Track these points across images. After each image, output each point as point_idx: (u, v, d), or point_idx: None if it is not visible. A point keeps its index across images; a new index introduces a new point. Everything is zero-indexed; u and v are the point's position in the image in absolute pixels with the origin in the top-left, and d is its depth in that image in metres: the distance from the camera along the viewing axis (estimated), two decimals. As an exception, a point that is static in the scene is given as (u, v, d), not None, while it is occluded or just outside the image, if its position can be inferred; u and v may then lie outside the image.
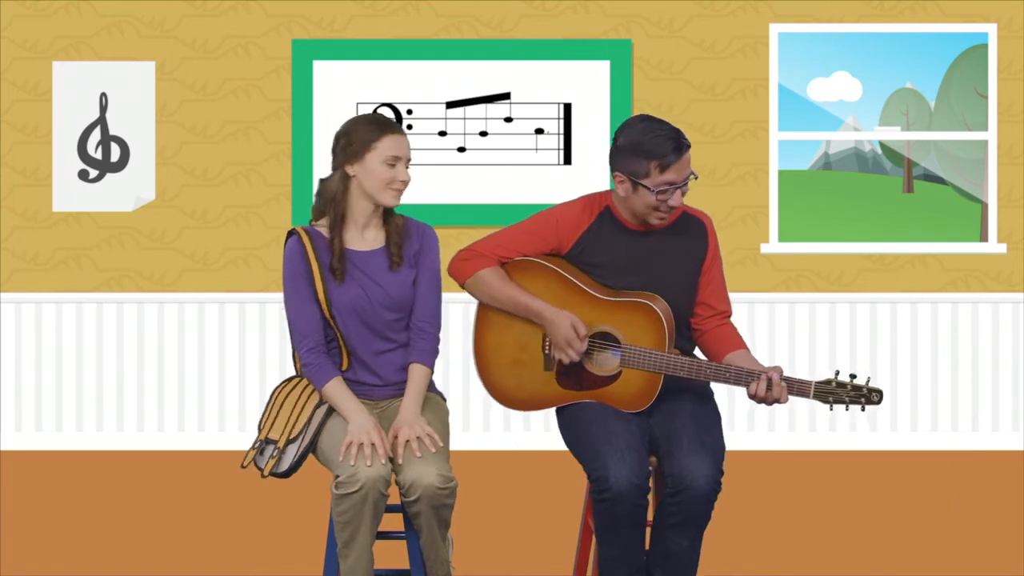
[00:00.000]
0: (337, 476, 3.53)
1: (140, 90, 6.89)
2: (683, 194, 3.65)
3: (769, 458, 6.69)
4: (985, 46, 6.95)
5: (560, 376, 3.73)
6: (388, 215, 3.79)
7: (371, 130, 3.71)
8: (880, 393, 3.57)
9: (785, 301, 6.93)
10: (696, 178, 3.71)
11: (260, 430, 3.73)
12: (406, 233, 3.78)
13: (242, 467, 3.71)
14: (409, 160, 3.74)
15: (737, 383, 3.59)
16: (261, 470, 3.66)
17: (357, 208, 3.74)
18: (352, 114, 6.87)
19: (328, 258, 3.72)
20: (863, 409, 3.62)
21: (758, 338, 6.86)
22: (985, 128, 6.96)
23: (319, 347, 3.72)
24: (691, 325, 3.81)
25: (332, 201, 3.72)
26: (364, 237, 3.77)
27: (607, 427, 3.57)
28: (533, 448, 6.91)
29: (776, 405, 6.81)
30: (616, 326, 3.65)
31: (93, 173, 6.89)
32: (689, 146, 3.64)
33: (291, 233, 3.75)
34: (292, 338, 3.74)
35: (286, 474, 3.65)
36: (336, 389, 3.69)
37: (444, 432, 3.72)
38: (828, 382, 3.57)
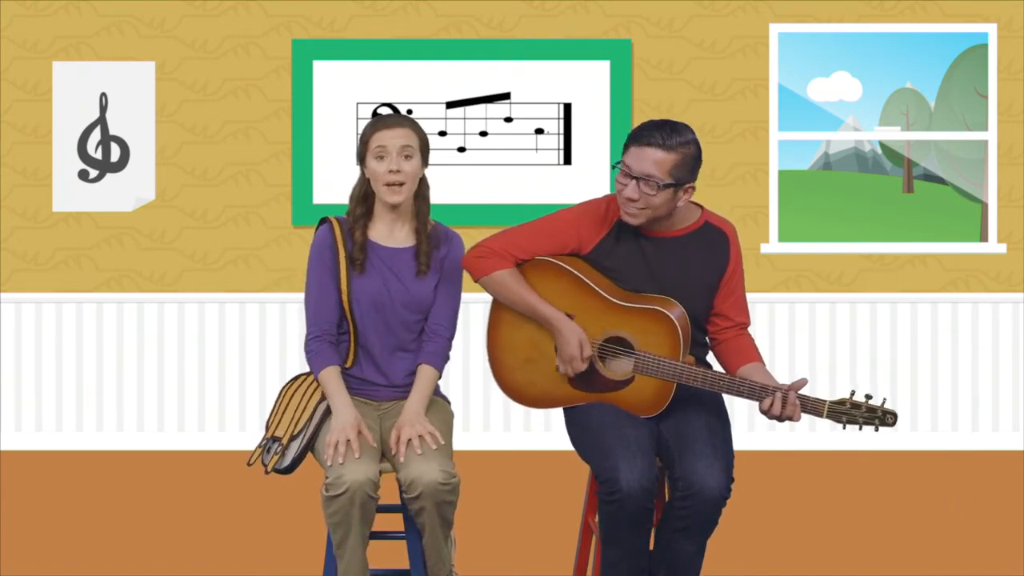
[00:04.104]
0: (326, 477, 3.53)
1: (140, 90, 6.89)
2: (645, 192, 3.55)
3: (769, 458, 6.69)
4: (985, 46, 6.95)
5: (572, 377, 3.72)
6: (422, 218, 3.78)
7: (367, 130, 3.73)
8: (895, 415, 3.53)
9: (785, 301, 6.92)
10: (661, 186, 3.54)
11: (267, 428, 3.74)
12: (435, 240, 3.78)
13: (248, 465, 3.73)
14: (402, 149, 3.69)
15: (751, 397, 3.57)
16: (265, 467, 3.68)
17: (379, 205, 3.76)
18: (352, 114, 6.88)
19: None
20: (877, 430, 3.59)
21: (758, 338, 6.85)
22: (985, 128, 6.96)
23: (326, 336, 3.73)
24: (708, 333, 3.79)
25: (362, 200, 3.76)
26: (393, 234, 3.78)
27: (618, 429, 3.55)
28: (533, 448, 6.90)
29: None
30: (631, 332, 3.62)
31: (93, 173, 6.89)
32: (656, 144, 3.54)
33: (323, 220, 3.78)
34: (306, 322, 3.77)
35: (288, 470, 3.66)
36: (330, 377, 3.70)
37: (447, 432, 3.72)
38: (842, 402, 3.55)
